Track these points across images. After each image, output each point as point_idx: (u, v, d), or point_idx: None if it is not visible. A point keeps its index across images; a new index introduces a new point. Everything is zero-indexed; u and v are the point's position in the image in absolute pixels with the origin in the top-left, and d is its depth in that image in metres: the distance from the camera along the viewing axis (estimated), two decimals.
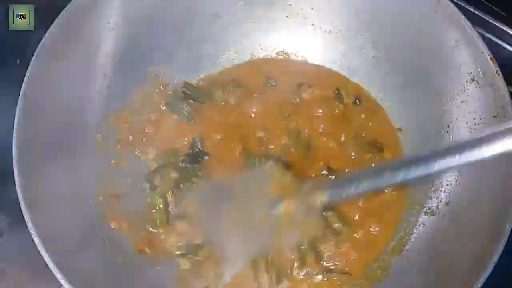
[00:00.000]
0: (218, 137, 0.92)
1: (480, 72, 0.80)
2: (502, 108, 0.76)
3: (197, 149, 0.90)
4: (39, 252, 0.64)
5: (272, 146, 0.91)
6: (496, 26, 0.99)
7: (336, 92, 0.98)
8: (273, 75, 1.00)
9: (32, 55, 0.74)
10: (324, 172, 0.89)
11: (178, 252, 0.81)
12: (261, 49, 1.03)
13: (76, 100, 0.81)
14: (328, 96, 0.97)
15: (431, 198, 0.86)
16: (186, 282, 0.80)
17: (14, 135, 0.69)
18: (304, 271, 0.81)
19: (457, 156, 0.60)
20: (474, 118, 0.82)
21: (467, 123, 0.83)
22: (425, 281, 0.77)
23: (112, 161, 0.87)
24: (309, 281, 0.81)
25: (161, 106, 0.94)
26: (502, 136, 0.57)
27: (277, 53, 1.03)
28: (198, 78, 1.00)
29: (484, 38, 0.81)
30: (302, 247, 0.82)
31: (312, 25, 1.01)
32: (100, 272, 0.73)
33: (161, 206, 0.84)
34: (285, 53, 1.03)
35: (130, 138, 0.90)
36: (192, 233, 0.83)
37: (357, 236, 0.85)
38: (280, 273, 0.80)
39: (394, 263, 0.83)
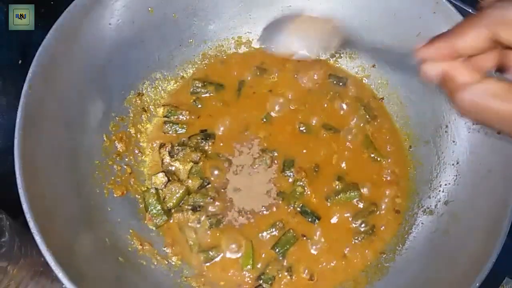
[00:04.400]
0: None
1: None
2: None
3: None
4: (40, 251, 0.64)
5: None
6: None
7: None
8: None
9: (33, 55, 0.74)
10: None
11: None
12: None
13: (77, 101, 0.82)
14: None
15: (429, 197, 0.87)
16: None
17: (16, 135, 0.69)
18: None
19: None
20: None
21: (465, 123, 0.84)
22: (424, 281, 0.78)
23: (113, 160, 0.88)
24: None
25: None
26: None
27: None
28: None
29: None
30: None
31: None
32: (100, 271, 0.73)
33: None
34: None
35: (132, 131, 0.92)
36: None
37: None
38: None
39: (394, 263, 0.84)
